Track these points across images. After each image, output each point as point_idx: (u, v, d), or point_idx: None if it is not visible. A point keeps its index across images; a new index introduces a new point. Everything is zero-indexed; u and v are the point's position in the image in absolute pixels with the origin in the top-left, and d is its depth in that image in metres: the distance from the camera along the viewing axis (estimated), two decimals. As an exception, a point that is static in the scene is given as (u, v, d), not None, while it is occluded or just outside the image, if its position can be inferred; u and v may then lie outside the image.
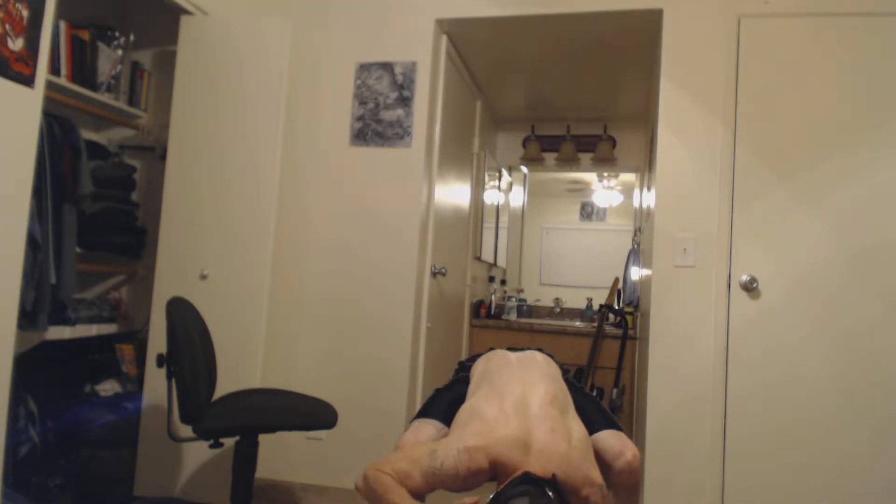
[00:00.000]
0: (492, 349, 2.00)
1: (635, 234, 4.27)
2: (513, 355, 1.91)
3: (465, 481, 1.47)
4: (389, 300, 2.83)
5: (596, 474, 1.51)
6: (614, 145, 4.41)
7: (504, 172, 4.60)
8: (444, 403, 1.83)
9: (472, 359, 1.98)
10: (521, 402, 1.62)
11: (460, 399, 1.83)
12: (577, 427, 1.62)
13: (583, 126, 4.46)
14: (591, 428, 1.70)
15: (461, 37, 3.12)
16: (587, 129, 4.46)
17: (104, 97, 2.79)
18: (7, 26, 1.80)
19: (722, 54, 2.60)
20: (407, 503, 1.43)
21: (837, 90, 2.48)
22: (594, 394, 2.20)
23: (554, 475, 1.41)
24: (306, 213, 2.95)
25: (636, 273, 3.98)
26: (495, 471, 1.47)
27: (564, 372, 1.91)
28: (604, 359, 3.78)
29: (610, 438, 1.69)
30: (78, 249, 2.58)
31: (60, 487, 2.48)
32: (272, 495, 2.80)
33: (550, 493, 1.35)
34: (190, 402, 2.06)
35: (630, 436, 3.42)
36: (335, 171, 2.95)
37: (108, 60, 2.81)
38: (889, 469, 2.30)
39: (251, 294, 2.60)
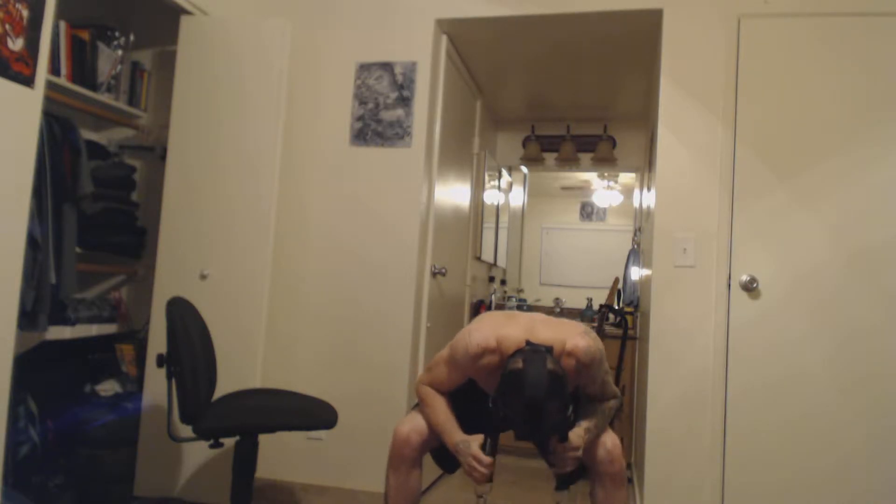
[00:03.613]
0: None
1: (635, 234, 4.27)
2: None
3: (476, 360, 1.69)
4: (389, 300, 2.83)
5: (573, 335, 1.71)
6: (614, 145, 4.41)
7: (504, 172, 4.60)
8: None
9: None
10: (521, 318, 1.82)
11: (460, 391, 1.87)
12: (565, 320, 1.87)
13: (583, 126, 4.46)
14: (575, 422, 1.74)
15: (461, 37, 3.12)
16: (587, 129, 4.46)
17: (104, 97, 2.79)
18: (7, 26, 1.80)
19: (722, 54, 2.60)
20: (440, 416, 1.78)
21: (837, 90, 2.48)
22: None
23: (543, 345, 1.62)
24: (306, 213, 2.95)
25: (636, 273, 3.98)
26: (502, 352, 1.67)
27: None
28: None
29: None
30: (78, 249, 2.58)
31: (60, 487, 2.47)
32: (272, 495, 2.80)
33: (542, 349, 1.57)
34: (190, 402, 2.06)
35: (630, 435, 3.42)
36: (335, 171, 2.95)
37: (108, 60, 2.81)
38: (888, 467, 2.30)
39: (251, 294, 2.60)
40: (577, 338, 1.69)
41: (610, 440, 1.75)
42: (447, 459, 1.92)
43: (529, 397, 1.47)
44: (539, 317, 1.84)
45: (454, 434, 1.75)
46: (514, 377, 1.52)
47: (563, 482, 1.80)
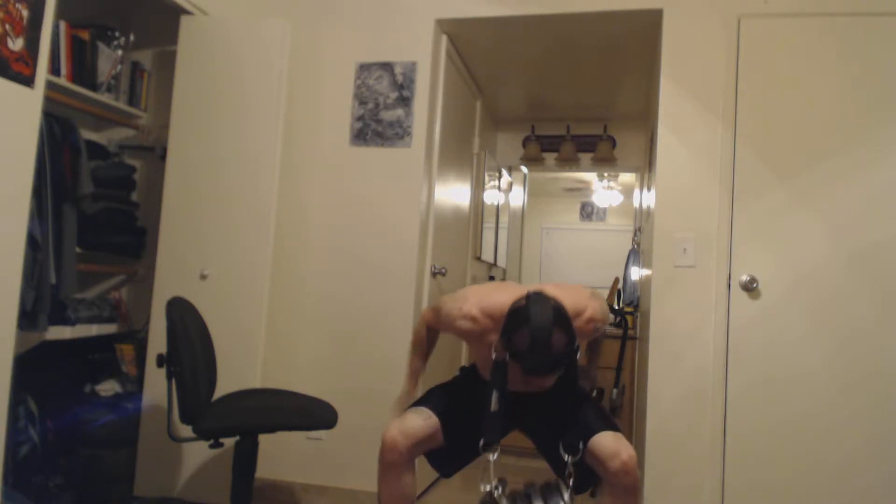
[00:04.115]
0: None
1: (635, 234, 4.27)
2: None
3: (453, 322, 1.74)
4: (389, 300, 2.83)
5: (586, 300, 1.75)
6: (614, 145, 4.41)
7: (504, 172, 4.60)
8: (438, 394, 1.91)
9: (474, 364, 2.00)
10: (517, 288, 1.79)
11: (457, 391, 1.88)
12: (572, 286, 1.86)
13: (583, 126, 4.46)
14: (589, 430, 1.72)
15: (461, 37, 3.11)
16: (587, 129, 4.46)
17: (104, 97, 2.79)
18: (7, 26, 1.80)
19: (722, 54, 2.60)
20: (414, 363, 1.99)
21: (837, 90, 2.48)
22: (594, 394, 2.23)
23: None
24: (306, 213, 2.95)
25: (636, 273, 3.98)
26: (493, 317, 1.67)
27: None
28: (604, 359, 3.77)
29: (606, 440, 1.71)
30: (78, 249, 2.58)
31: (60, 487, 2.48)
32: (272, 495, 2.80)
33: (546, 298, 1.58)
34: (190, 402, 2.06)
35: (630, 435, 3.43)
36: (335, 171, 2.95)
37: (108, 60, 2.81)
38: (888, 465, 2.30)
39: (251, 294, 2.60)
40: (591, 302, 1.76)
41: (626, 453, 1.69)
42: (443, 462, 1.90)
43: (536, 326, 1.50)
44: (547, 284, 1.87)
45: (411, 387, 1.98)
46: (519, 311, 1.56)
47: (578, 484, 1.76)
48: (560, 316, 1.54)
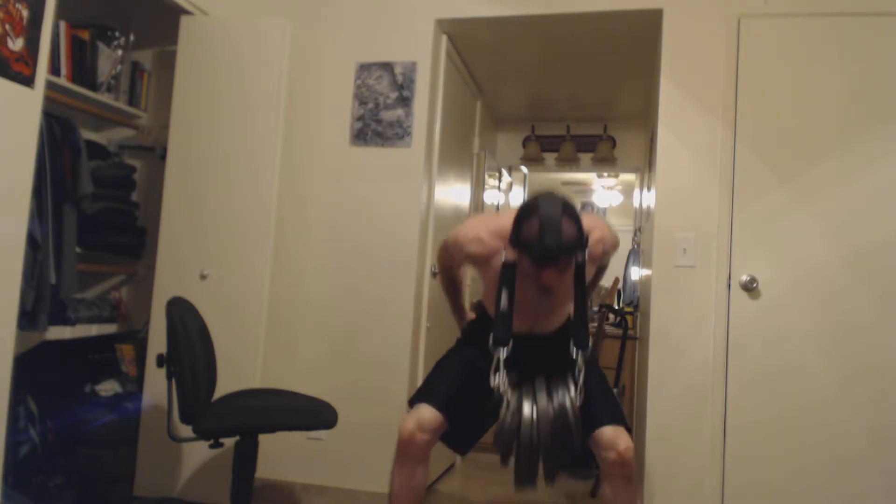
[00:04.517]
0: None
1: (635, 234, 4.27)
2: None
3: (461, 248, 1.85)
4: (390, 300, 2.83)
5: (598, 224, 1.83)
6: (614, 145, 4.41)
7: (504, 172, 4.60)
8: (438, 381, 1.95)
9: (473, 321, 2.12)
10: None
11: (456, 369, 1.93)
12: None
13: (583, 126, 4.46)
14: (595, 421, 1.78)
15: (461, 37, 3.12)
16: (587, 129, 4.46)
17: (104, 97, 2.79)
18: (7, 26, 1.80)
19: (722, 54, 2.60)
20: (447, 293, 2.19)
21: (837, 90, 2.48)
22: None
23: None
24: (306, 213, 2.95)
25: (636, 273, 3.98)
26: (500, 234, 1.74)
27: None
28: (604, 359, 3.78)
29: (607, 432, 1.79)
30: (78, 249, 2.58)
31: (60, 487, 2.47)
32: (272, 495, 2.80)
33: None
34: (190, 402, 2.06)
35: (630, 435, 3.42)
36: (335, 171, 2.95)
37: (108, 60, 2.81)
38: (886, 461, 2.31)
39: (251, 294, 2.60)
40: (602, 226, 1.83)
41: (623, 443, 1.76)
42: (455, 442, 1.99)
43: (546, 213, 1.57)
44: None
45: (460, 318, 2.19)
46: (529, 205, 1.63)
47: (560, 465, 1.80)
48: (569, 207, 1.60)
